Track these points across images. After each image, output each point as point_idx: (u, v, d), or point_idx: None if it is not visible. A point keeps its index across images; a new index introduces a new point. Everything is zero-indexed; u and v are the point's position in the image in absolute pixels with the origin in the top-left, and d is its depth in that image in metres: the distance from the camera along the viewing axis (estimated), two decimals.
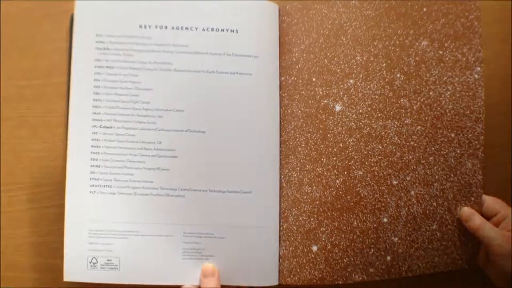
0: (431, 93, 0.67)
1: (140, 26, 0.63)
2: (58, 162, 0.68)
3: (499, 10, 0.72)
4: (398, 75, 0.67)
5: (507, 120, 0.72)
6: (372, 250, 0.66)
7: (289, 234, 0.65)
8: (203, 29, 0.63)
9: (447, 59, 0.67)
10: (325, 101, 0.66)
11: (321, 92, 0.66)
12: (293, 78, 0.66)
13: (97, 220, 0.62)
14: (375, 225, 0.66)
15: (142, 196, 0.63)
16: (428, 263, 0.66)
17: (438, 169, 0.67)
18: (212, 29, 0.63)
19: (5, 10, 0.70)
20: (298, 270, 0.65)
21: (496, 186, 0.68)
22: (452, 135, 0.67)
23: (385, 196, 0.66)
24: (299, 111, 0.66)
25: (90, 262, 0.62)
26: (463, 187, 0.67)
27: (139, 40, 0.63)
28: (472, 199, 0.67)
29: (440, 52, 0.67)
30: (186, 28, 0.63)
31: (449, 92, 0.67)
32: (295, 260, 0.65)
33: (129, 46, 0.63)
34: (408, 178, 0.67)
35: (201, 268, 0.63)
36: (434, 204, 0.67)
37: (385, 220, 0.66)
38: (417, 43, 0.67)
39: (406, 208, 0.66)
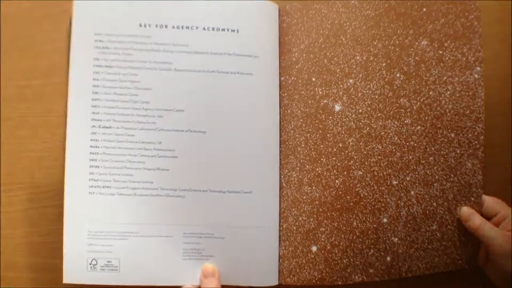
0: (431, 93, 0.67)
1: (140, 25, 0.63)
2: (58, 162, 0.67)
3: (499, 10, 0.72)
4: (398, 75, 0.67)
5: (507, 120, 0.71)
6: (372, 250, 0.66)
7: (289, 234, 0.65)
8: (204, 29, 0.63)
9: (447, 59, 0.67)
10: (325, 101, 0.66)
11: (320, 92, 0.66)
12: (293, 78, 0.66)
13: (96, 221, 0.62)
14: (374, 226, 0.66)
15: (142, 196, 0.63)
16: (428, 263, 0.66)
17: (438, 169, 0.66)
18: (213, 29, 0.63)
19: (5, 10, 0.69)
20: (297, 270, 0.65)
21: (496, 186, 0.68)
22: (452, 135, 0.66)
23: (385, 196, 0.66)
24: (299, 111, 0.66)
25: (90, 264, 0.62)
26: (463, 187, 0.67)
27: (138, 39, 0.63)
28: (472, 199, 0.66)
29: (440, 52, 0.67)
30: (187, 28, 0.63)
31: (449, 92, 0.67)
32: (294, 260, 0.65)
33: (129, 45, 0.63)
34: (408, 178, 0.66)
35: (201, 268, 0.63)
36: (434, 204, 0.66)
37: (385, 220, 0.66)
38: (416, 43, 0.67)
39: (406, 209, 0.66)
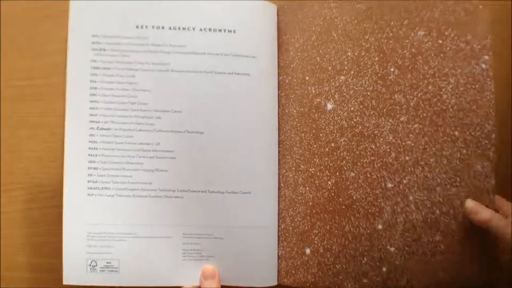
0: (429, 87, 0.62)
1: (137, 27, 0.62)
2: (58, 162, 0.68)
3: (499, 10, 0.71)
4: (392, 69, 0.63)
5: (508, 120, 0.71)
6: (365, 258, 0.62)
7: (286, 234, 0.64)
8: (201, 29, 0.63)
9: (447, 49, 0.62)
10: (318, 100, 0.64)
11: (313, 91, 0.64)
12: (289, 77, 0.65)
13: (95, 223, 0.62)
14: (368, 231, 0.62)
15: (140, 198, 0.63)
16: (431, 278, 0.61)
17: (440, 172, 0.61)
18: (210, 29, 0.63)
19: (5, 10, 0.70)
20: (293, 271, 0.64)
21: (497, 186, 0.67)
22: (456, 133, 0.61)
23: (379, 200, 0.62)
24: (294, 111, 0.65)
25: (90, 265, 0.62)
26: (472, 193, 0.61)
27: (136, 41, 0.62)
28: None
29: (440, 42, 0.62)
30: (183, 28, 0.63)
31: (451, 86, 0.62)
32: (290, 261, 0.64)
33: (126, 47, 0.62)
34: (405, 182, 0.62)
35: (201, 269, 0.63)
36: (437, 212, 0.61)
37: (380, 227, 0.62)
38: (412, 34, 0.63)
39: (404, 215, 0.62)
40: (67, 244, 0.62)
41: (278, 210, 0.65)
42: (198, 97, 0.63)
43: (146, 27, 0.62)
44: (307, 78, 0.65)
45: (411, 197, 0.62)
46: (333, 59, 0.64)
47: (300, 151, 0.64)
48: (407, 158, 0.62)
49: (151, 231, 0.63)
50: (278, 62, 0.66)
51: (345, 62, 0.64)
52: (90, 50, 0.62)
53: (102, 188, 0.62)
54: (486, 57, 0.61)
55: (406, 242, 0.62)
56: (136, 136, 0.62)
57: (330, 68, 0.64)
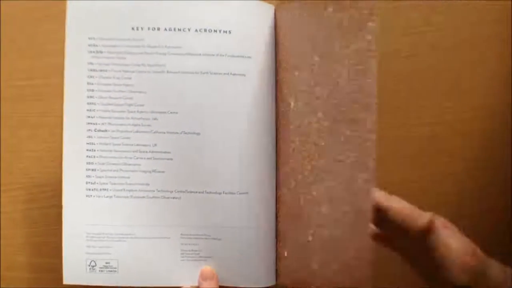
0: (333, 75, 0.50)
1: (133, 28, 0.62)
2: (57, 162, 0.67)
3: (499, 10, 0.70)
4: (316, 58, 0.53)
5: (507, 120, 0.70)
6: (302, 273, 0.55)
7: (280, 235, 0.64)
8: (196, 30, 0.62)
9: (345, 22, 0.48)
10: (287, 98, 0.61)
11: (287, 89, 0.61)
12: (280, 77, 0.64)
13: (94, 224, 0.62)
14: (303, 243, 0.55)
15: (138, 198, 0.63)
16: None
17: (336, 181, 0.49)
18: (205, 30, 0.62)
19: (5, 10, 0.70)
20: (281, 272, 0.63)
21: (497, 188, 0.67)
22: (348, 132, 0.48)
23: (308, 209, 0.54)
24: (282, 110, 0.63)
25: (89, 265, 0.63)
26: (356, 213, 0.47)
27: (131, 43, 0.62)
28: (361, 242, 0.47)
29: (339, 15, 0.48)
30: (179, 30, 0.62)
31: (345, 70, 0.48)
32: (279, 262, 0.64)
33: (122, 49, 0.62)
34: (320, 189, 0.52)
35: (199, 269, 0.63)
36: (337, 232, 0.49)
37: (310, 238, 0.53)
38: (325, 12, 0.51)
39: (320, 229, 0.52)
40: (66, 244, 0.62)
41: (276, 210, 0.65)
42: (194, 98, 0.62)
43: (142, 28, 0.62)
44: (287, 76, 0.62)
45: (323, 209, 0.51)
46: (293, 55, 0.59)
47: (281, 151, 0.63)
48: (321, 161, 0.52)
49: (149, 231, 0.63)
50: (276, 62, 0.65)
51: (297, 57, 0.58)
52: (87, 53, 0.62)
53: (101, 189, 0.62)
54: (370, 23, 0.45)
55: (322, 264, 0.52)
56: (133, 138, 0.62)
57: (291, 64, 0.60)
